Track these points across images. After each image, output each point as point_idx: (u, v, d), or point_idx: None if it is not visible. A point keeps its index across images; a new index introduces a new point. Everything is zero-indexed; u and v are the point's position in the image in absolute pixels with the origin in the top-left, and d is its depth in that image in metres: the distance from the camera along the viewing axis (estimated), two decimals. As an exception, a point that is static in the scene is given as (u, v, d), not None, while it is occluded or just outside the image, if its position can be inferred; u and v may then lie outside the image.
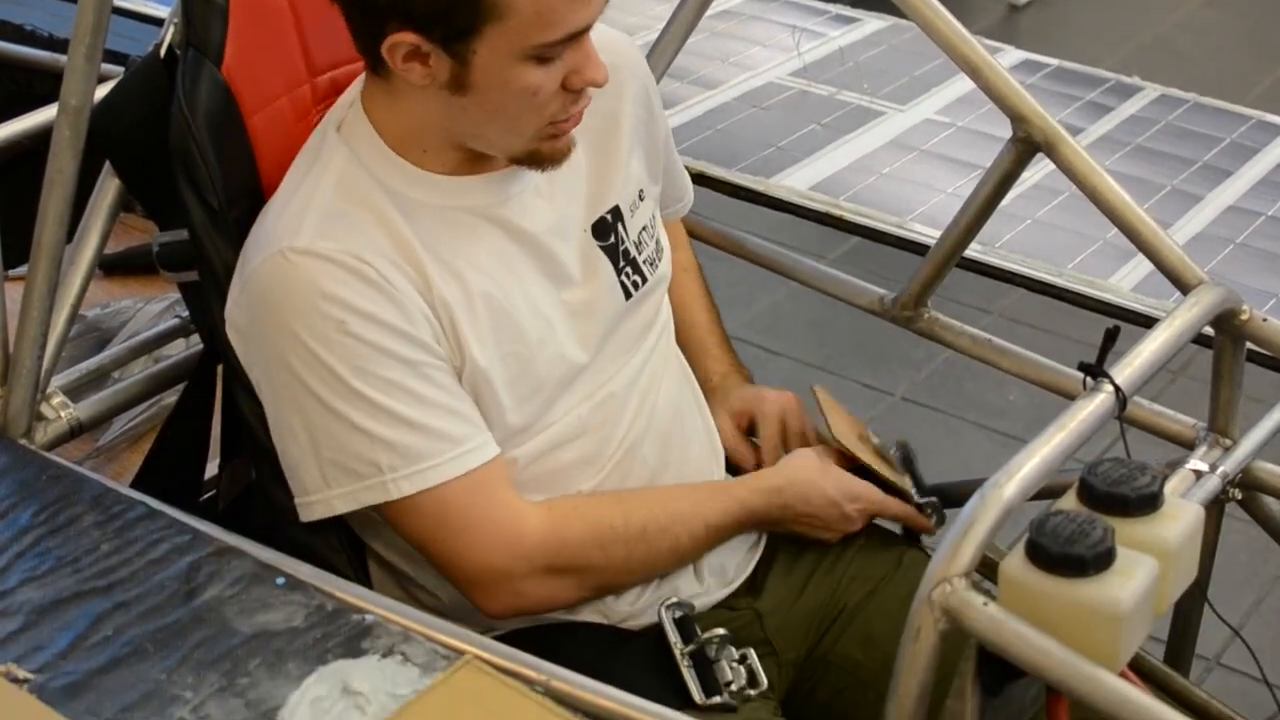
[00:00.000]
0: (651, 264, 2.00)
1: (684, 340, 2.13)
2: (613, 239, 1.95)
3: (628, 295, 1.96)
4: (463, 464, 1.79)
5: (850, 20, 3.45)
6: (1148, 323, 2.21)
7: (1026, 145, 2.04)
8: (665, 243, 2.05)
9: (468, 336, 1.81)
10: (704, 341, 2.20)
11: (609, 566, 1.87)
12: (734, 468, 2.10)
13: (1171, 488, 1.85)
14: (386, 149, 1.82)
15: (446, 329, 1.80)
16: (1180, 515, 1.58)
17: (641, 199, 2.01)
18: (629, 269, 1.96)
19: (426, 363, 1.78)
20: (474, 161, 1.85)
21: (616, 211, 1.97)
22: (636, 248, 1.98)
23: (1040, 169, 2.68)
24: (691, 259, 2.26)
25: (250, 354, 1.81)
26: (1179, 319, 1.86)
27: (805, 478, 1.99)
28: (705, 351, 2.19)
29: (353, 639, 1.58)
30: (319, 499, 1.80)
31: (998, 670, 1.54)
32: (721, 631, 1.88)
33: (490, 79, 1.73)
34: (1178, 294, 1.96)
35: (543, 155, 1.83)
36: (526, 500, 1.85)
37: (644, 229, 2.00)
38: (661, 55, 2.44)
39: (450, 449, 1.78)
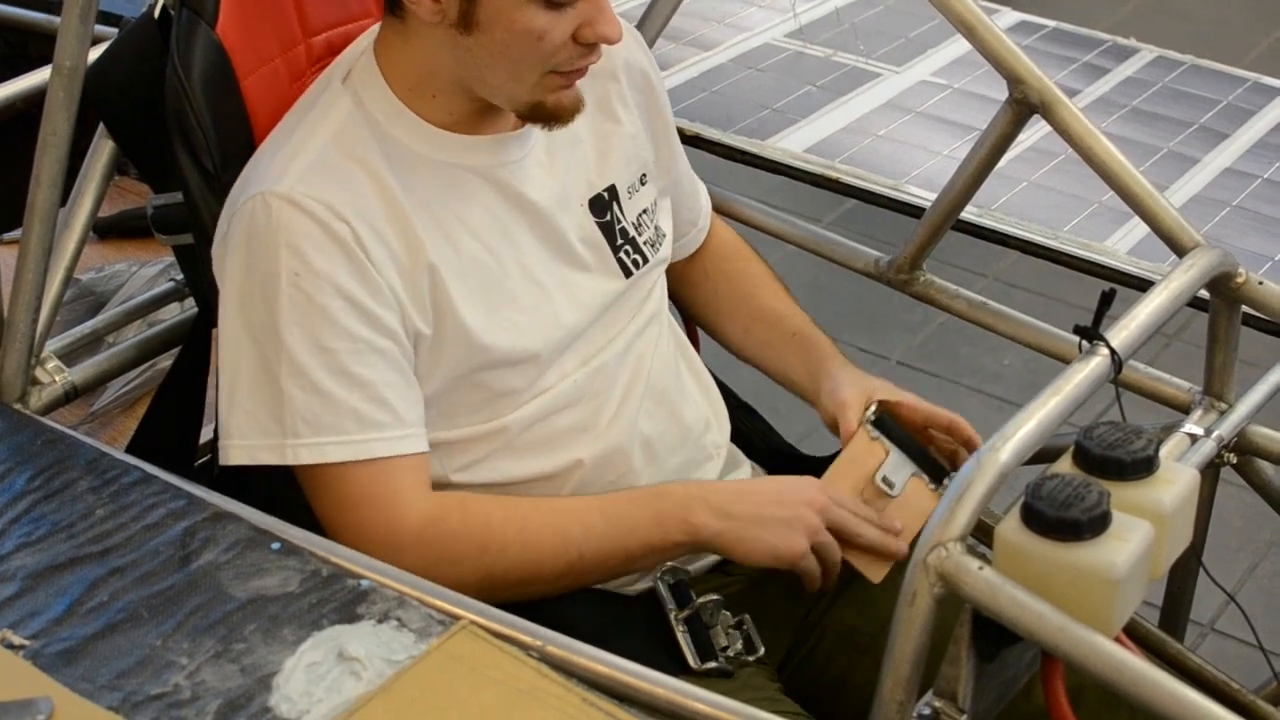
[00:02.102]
0: (652, 245, 2.00)
1: (802, 346, 2.10)
2: (608, 217, 1.95)
3: (627, 273, 1.96)
4: (365, 450, 1.77)
5: (846, -19, 3.43)
6: (1143, 286, 2.21)
7: (1023, 107, 2.04)
8: (667, 229, 2.06)
9: (456, 298, 1.81)
10: (820, 340, 2.12)
11: (487, 562, 1.79)
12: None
13: (1167, 452, 1.85)
14: (393, 96, 1.82)
15: (427, 294, 1.79)
16: (1175, 479, 1.58)
17: (644, 183, 2.01)
18: (628, 248, 1.96)
19: (370, 341, 1.76)
20: (480, 118, 1.85)
21: (613, 191, 1.97)
22: (635, 228, 1.98)
23: (1036, 131, 2.68)
24: (763, 265, 2.21)
25: (220, 288, 1.81)
26: (1175, 282, 1.86)
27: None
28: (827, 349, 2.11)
29: (348, 604, 1.58)
30: (227, 444, 1.80)
31: (993, 635, 1.54)
32: (716, 597, 1.88)
33: (497, 18, 1.73)
34: (1173, 257, 1.96)
35: (546, 109, 1.82)
36: (419, 492, 1.80)
37: (644, 211, 2.00)
38: (656, 16, 2.43)
39: (356, 432, 1.76)
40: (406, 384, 1.80)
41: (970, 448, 1.98)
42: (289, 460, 1.77)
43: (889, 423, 1.99)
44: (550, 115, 1.83)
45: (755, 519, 1.83)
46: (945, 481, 1.95)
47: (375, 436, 1.77)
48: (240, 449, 1.79)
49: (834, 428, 2.01)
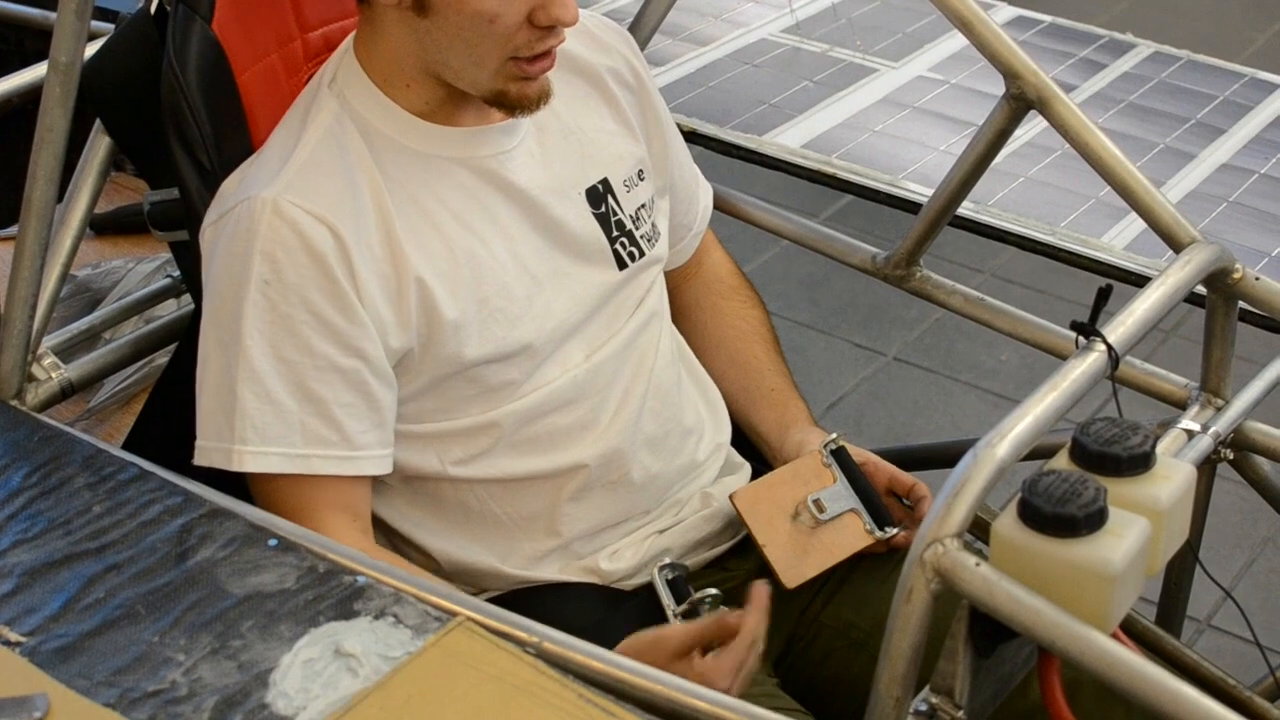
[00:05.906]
0: (649, 240, 2.00)
1: (779, 402, 2.11)
2: (604, 208, 1.95)
3: (622, 265, 1.96)
4: (305, 465, 1.78)
5: (843, -24, 3.43)
6: (1140, 282, 2.20)
7: (1019, 102, 2.04)
8: (663, 229, 2.05)
9: (446, 303, 1.81)
10: (797, 401, 2.13)
11: None
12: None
13: (1163, 448, 1.86)
14: (375, 89, 1.83)
15: (414, 308, 1.79)
16: (1172, 475, 1.57)
17: (641, 178, 2.01)
18: (624, 239, 1.96)
19: (331, 359, 1.77)
20: (458, 107, 1.85)
21: (606, 183, 1.97)
22: (633, 221, 1.98)
23: (1033, 127, 2.68)
24: (759, 310, 2.21)
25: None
26: (1171, 278, 1.86)
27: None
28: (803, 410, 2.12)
29: (345, 601, 1.58)
30: (197, 444, 1.81)
31: (990, 631, 1.54)
32: (713, 591, 1.88)
33: (449, 0, 1.73)
34: (1170, 253, 1.96)
35: (510, 97, 1.81)
36: (357, 540, 1.80)
37: (641, 207, 2.00)
38: (652, 12, 2.43)
39: (301, 446, 1.77)
40: (367, 405, 1.80)
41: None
42: (234, 466, 1.78)
43: (847, 460, 2.00)
44: (514, 104, 1.82)
45: None
46: (886, 530, 1.96)
47: (319, 453, 1.78)
48: (197, 449, 1.81)
49: None
